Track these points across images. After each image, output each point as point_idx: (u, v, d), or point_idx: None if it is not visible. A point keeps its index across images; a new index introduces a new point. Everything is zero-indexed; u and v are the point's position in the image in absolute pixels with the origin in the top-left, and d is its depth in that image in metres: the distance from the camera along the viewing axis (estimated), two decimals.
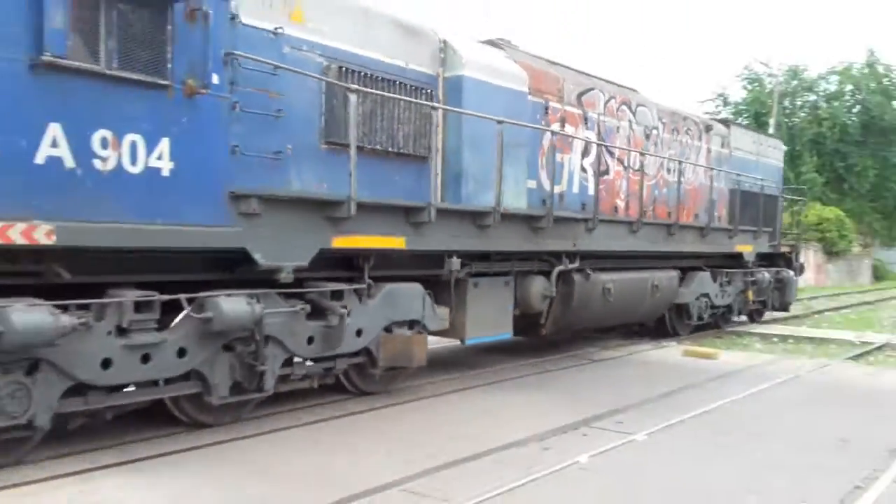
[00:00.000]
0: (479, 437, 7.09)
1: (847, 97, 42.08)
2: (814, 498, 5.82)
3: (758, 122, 37.96)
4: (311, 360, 7.97)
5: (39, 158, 5.59)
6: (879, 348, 14.29)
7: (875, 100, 40.14)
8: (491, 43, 10.82)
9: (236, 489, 5.63)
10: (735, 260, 15.46)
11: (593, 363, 11.75)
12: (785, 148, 19.24)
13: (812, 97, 43.00)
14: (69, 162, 5.73)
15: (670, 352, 12.94)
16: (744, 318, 16.72)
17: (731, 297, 15.31)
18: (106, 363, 6.12)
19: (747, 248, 15.53)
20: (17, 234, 5.45)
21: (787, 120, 40.72)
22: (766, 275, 16.21)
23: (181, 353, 6.63)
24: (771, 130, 32.16)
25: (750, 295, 15.82)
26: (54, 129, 5.64)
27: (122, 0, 5.99)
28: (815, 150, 39.01)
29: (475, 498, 5.46)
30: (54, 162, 5.66)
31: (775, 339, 15.02)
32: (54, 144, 5.65)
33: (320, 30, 7.95)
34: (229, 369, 7.06)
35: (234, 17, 6.83)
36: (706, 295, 14.43)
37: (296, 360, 7.83)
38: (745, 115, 41.15)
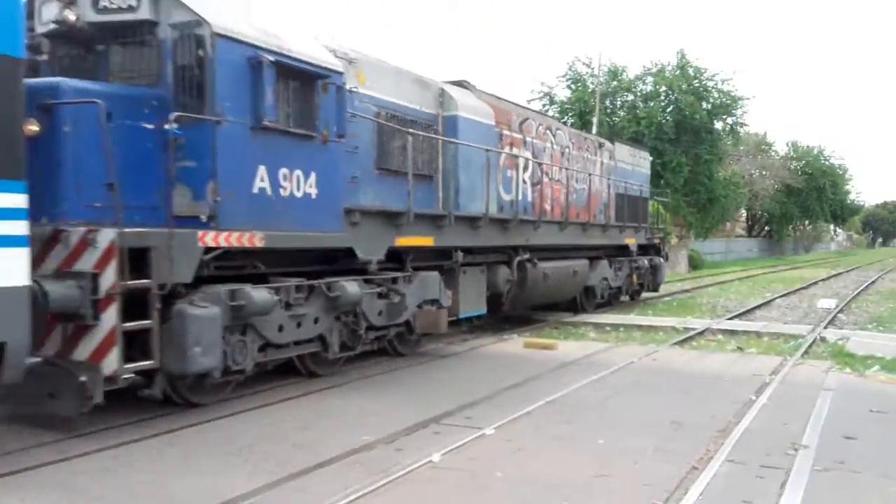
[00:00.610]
0: (326, 443, 6.98)
1: (662, 97, 43.15)
2: (656, 480, 6.03)
3: (582, 121, 39.04)
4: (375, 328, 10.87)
5: (255, 189, 8.34)
6: (701, 333, 15.14)
7: (687, 100, 41.36)
8: (458, 84, 13.96)
9: None
10: (622, 250, 19.48)
11: (439, 359, 11.88)
12: (650, 158, 23.57)
13: (630, 97, 43.96)
14: (269, 191, 8.50)
15: (511, 344, 13.38)
16: (626, 298, 20.78)
17: (621, 280, 19.37)
18: (280, 328, 8.90)
19: (632, 241, 19.67)
20: (245, 240, 8.19)
21: (608, 119, 41.78)
22: (645, 262, 20.43)
23: (316, 321, 9.46)
24: (594, 129, 33.53)
25: (634, 278, 19.97)
26: (262, 170, 8.40)
27: (291, 78, 8.79)
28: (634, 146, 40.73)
29: None
30: (262, 191, 8.42)
31: (608, 329, 15.71)
32: (262, 179, 8.40)
33: (374, 87, 10.89)
34: (339, 333, 9.95)
35: (344, 85, 9.69)
36: (606, 278, 18.35)
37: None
38: (571, 114, 41.85)
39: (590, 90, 42.38)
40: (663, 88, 43.27)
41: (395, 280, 10.90)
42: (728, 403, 8.88)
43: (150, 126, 7.81)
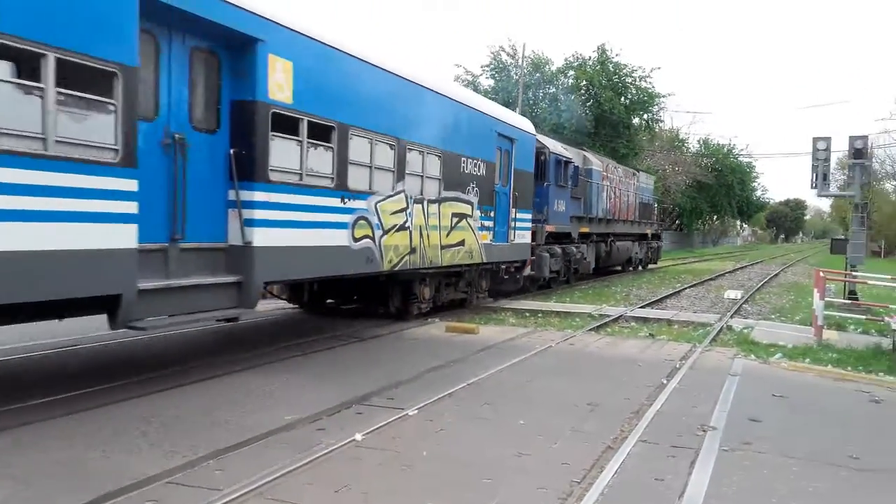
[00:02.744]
0: (246, 422, 6.84)
1: (583, 91, 43.92)
2: (573, 459, 6.16)
3: None
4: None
5: (553, 209, 20.95)
6: (615, 320, 15.66)
7: (606, 95, 42.46)
8: (582, 149, 26.54)
9: None
10: (643, 237, 32.64)
11: (361, 342, 11.79)
12: (654, 177, 36.78)
13: (553, 89, 44.60)
14: (556, 209, 21.06)
15: (434, 328, 13.42)
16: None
17: (643, 254, 32.69)
18: (553, 263, 21.39)
19: (649, 231, 32.95)
20: (552, 229, 20.82)
21: (530, 109, 42.15)
22: (655, 244, 33.70)
23: (560, 261, 22.01)
24: None
25: (649, 254, 33.09)
26: (555, 200, 21.06)
27: (563, 164, 21.41)
28: (556, 139, 41.50)
29: (251, 485, 5.28)
30: (554, 210, 21.19)
31: (527, 314, 16.20)
32: (554, 204, 21.01)
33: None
34: (567, 268, 22.51)
35: (576, 165, 22.14)
36: (637, 253, 31.57)
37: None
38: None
39: (513, 80, 42.56)
40: (584, 83, 44.25)
41: (579, 246, 23.47)
42: (641, 387, 9.01)
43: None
